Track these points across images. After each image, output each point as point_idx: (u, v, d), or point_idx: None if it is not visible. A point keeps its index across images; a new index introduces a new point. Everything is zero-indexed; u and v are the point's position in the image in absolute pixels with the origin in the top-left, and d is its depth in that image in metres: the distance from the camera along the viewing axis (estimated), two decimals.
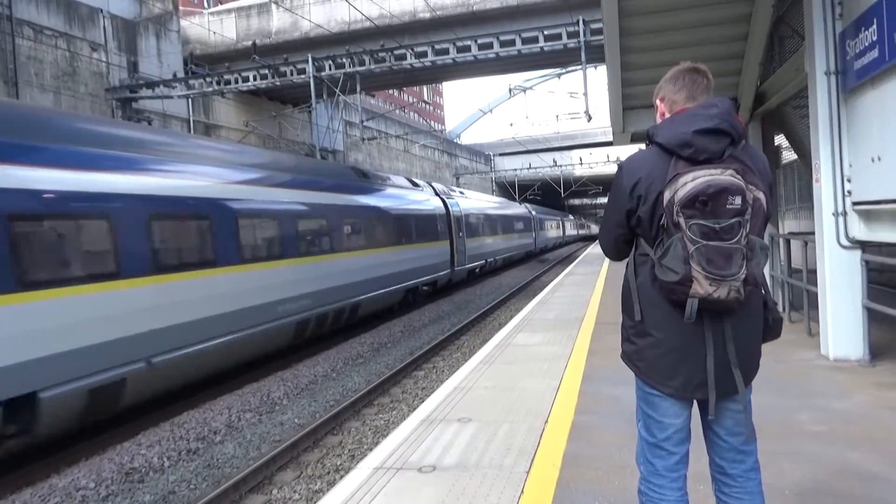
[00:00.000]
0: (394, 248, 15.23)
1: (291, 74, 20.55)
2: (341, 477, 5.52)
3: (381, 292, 14.12)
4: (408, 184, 18.64)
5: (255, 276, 9.51)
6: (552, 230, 48.48)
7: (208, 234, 8.64)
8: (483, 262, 24.27)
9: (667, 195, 1.98)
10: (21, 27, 17.65)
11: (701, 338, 2.05)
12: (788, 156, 10.25)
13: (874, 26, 4.73)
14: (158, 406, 8.01)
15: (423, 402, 5.64)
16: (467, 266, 21.85)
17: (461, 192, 25.10)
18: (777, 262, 8.06)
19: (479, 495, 3.34)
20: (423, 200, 18.75)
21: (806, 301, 6.91)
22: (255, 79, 20.94)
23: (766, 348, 2.23)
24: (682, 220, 1.94)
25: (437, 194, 20.35)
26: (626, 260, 2.32)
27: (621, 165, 2.21)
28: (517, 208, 35.50)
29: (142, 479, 6.10)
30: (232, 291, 8.94)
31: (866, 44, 4.88)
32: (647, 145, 2.19)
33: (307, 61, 20.00)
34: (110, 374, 6.90)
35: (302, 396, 8.74)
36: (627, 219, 2.17)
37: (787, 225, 11.76)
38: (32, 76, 17.93)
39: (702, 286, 1.93)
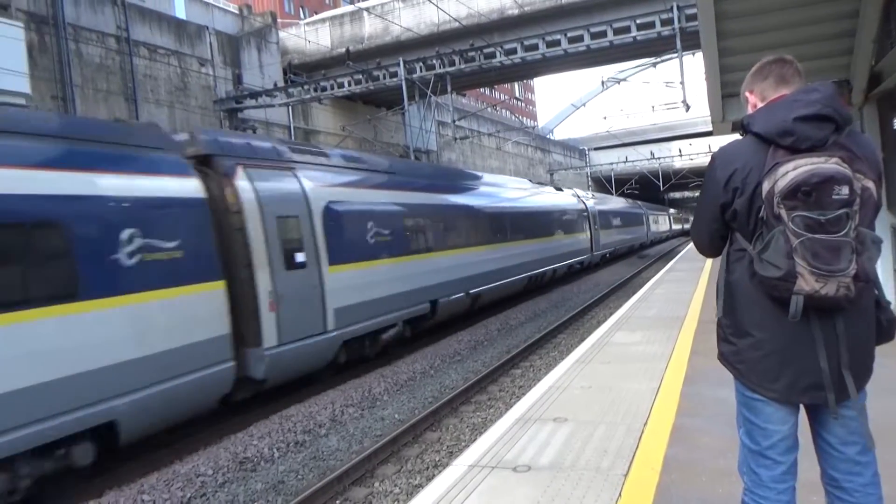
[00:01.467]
0: (631, 227, 36.82)
1: (384, 78, 21.04)
2: (440, 473, 5.62)
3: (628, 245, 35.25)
4: (625, 202, 39.10)
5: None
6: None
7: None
8: (653, 238, 46.55)
9: (766, 186, 1.89)
10: (137, 48, 19.21)
11: (808, 338, 1.93)
12: None
13: None
14: (269, 399, 8.47)
15: (519, 400, 5.66)
16: (651, 237, 44.61)
17: (648, 204, 47.58)
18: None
19: (574, 497, 3.32)
20: (634, 206, 40.46)
21: None
22: (349, 84, 21.61)
23: (888, 348, 2.09)
24: (783, 212, 1.84)
25: (639, 206, 42.63)
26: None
27: (714, 156, 2.13)
28: (662, 211, 55.35)
29: (254, 468, 6.48)
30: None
31: None
32: (742, 135, 2.10)
33: (398, 64, 20.42)
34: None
35: (401, 392, 8.97)
36: (722, 212, 2.08)
37: None
38: (149, 92, 19.42)
39: (807, 282, 1.82)
